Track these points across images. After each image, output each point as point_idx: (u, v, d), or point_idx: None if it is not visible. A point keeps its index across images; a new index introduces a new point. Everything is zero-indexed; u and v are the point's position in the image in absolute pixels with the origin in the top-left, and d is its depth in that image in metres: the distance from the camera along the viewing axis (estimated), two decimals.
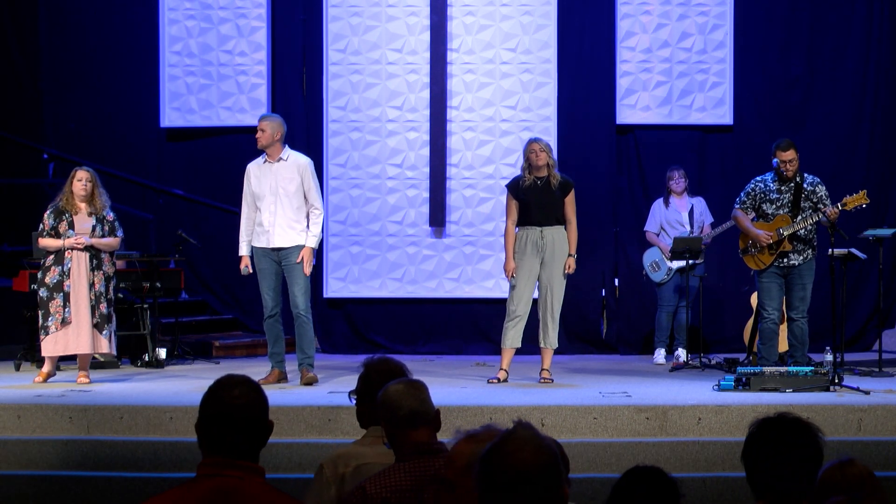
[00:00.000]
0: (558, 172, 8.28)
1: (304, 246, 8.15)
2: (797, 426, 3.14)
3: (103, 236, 8.30)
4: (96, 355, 9.27)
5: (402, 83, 10.78)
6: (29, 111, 11.28)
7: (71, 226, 8.25)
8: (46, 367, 8.26)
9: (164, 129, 11.08)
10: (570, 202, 8.25)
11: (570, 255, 8.20)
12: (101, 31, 11.19)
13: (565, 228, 8.22)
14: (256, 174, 8.26)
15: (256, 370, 8.19)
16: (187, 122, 11.04)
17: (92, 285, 8.20)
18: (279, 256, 8.17)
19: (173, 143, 11.17)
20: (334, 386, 7.97)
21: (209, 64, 10.97)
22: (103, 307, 8.24)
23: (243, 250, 8.26)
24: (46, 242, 8.27)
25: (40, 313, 8.20)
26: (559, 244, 8.17)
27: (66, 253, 8.19)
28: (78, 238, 8.20)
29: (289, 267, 8.16)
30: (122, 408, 7.02)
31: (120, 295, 9.56)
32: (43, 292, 8.20)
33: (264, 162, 8.27)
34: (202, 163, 11.13)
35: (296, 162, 8.24)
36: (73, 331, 8.13)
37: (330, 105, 10.82)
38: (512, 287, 8.21)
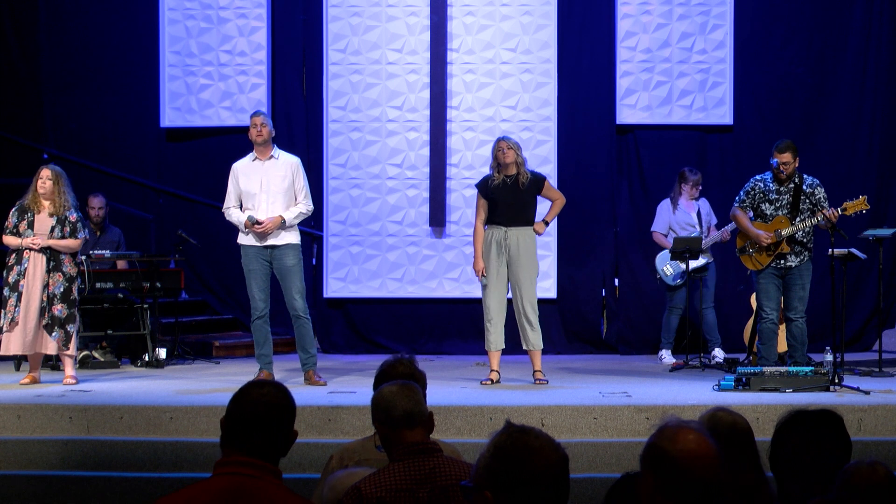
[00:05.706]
0: (528, 170, 8.15)
1: (295, 244, 8.14)
2: (828, 421, 3.13)
3: (63, 237, 8.19)
4: (95, 355, 9.29)
5: (402, 83, 10.78)
6: (29, 111, 11.28)
7: (30, 225, 8.18)
8: (31, 370, 8.17)
9: (164, 129, 11.09)
10: (549, 188, 8.23)
11: (543, 221, 8.19)
12: (101, 31, 11.19)
13: (543, 219, 8.20)
14: (245, 172, 8.18)
15: (256, 370, 8.17)
16: (187, 122, 11.04)
17: (46, 286, 8.10)
18: (271, 256, 8.11)
19: (173, 143, 11.17)
20: (334, 386, 7.94)
21: (209, 64, 10.97)
22: (57, 309, 8.08)
23: (243, 216, 8.05)
24: (8, 240, 8.24)
25: (2, 312, 8.13)
26: (524, 245, 8.03)
27: (24, 252, 8.13)
28: (34, 238, 8.13)
29: (282, 269, 8.09)
30: (122, 408, 7.01)
31: (120, 295, 9.57)
32: (6, 291, 8.16)
33: (253, 160, 8.20)
34: (202, 163, 11.12)
35: (287, 161, 8.22)
36: (19, 331, 8.04)
37: (330, 105, 10.82)
38: (484, 287, 8.14)
